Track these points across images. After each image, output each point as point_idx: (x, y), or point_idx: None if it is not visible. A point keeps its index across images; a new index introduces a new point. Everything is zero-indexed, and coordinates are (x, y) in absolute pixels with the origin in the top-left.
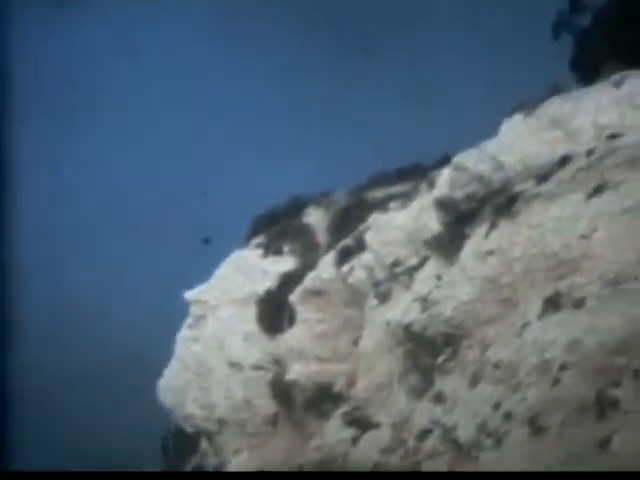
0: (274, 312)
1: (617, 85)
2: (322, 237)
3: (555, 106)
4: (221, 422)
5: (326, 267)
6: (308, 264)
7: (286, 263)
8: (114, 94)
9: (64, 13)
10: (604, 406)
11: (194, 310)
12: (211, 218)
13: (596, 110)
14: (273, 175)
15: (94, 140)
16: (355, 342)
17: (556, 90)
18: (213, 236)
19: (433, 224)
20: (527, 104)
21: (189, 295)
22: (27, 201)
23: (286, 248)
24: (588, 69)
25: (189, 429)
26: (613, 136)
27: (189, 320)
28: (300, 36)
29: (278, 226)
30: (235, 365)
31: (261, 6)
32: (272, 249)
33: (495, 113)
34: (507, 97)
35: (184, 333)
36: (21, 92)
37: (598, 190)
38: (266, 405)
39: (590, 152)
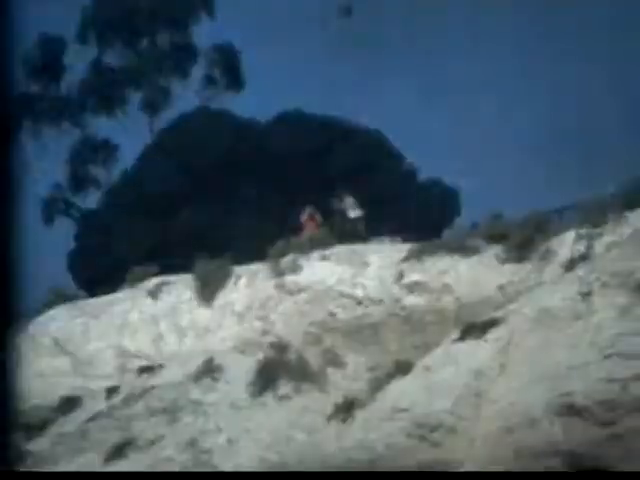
0: None
1: (153, 295)
2: None
3: (59, 321)
4: None
5: None
6: None
7: None
8: None
9: None
10: None
11: None
12: None
13: (121, 330)
14: None
15: None
16: None
17: (62, 298)
18: None
19: None
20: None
21: None
22: None
23: None
24: (101, 270)
25: None
26: (146, 369)
27: None
28: None
29: None
30: None
31: None
32: None
33: None
34: None
35: None
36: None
37: (120, 450)
38: None
39: (111, 392)
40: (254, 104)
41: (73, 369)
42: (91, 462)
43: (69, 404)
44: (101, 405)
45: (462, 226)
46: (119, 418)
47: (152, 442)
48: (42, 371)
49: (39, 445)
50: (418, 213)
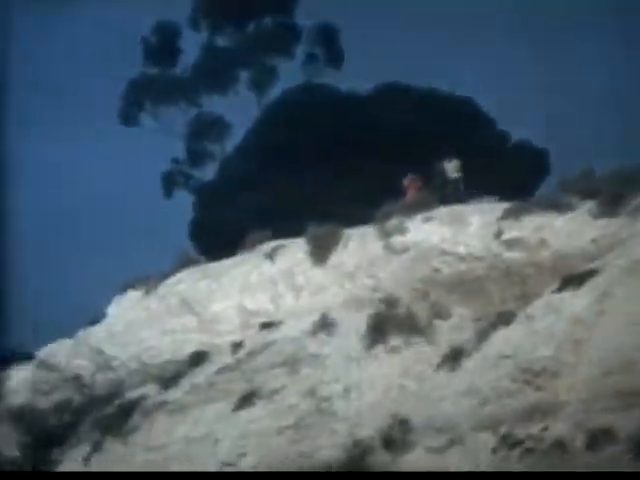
0: None
1: (270, 258)
2: None
3: (185, 283)
4: None
5: None
6: None
7: None
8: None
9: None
10: None
11: None
12: None
13: (242, 290)
14: None
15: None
16: None
17: (187, 262)
18: None
19: None
20: (145, 278)
21: None
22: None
23: None
24: (219, 236)
25: None
26: (267, 325)
27: None
28: None
29: None
30: None
31: None
32: None
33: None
34: None
35: None
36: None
37: (247, 399)
38: None
39: (236, 347)
40: (354, 78)
41: (199, 327)
42: (220, 410)
43: (198, 358)
44: (227, 359)
45: (554, 184)
46: (244, 370)
47: (275, 391)
48: (172, 329)
49: (173, 395)
50: (513, 173)
